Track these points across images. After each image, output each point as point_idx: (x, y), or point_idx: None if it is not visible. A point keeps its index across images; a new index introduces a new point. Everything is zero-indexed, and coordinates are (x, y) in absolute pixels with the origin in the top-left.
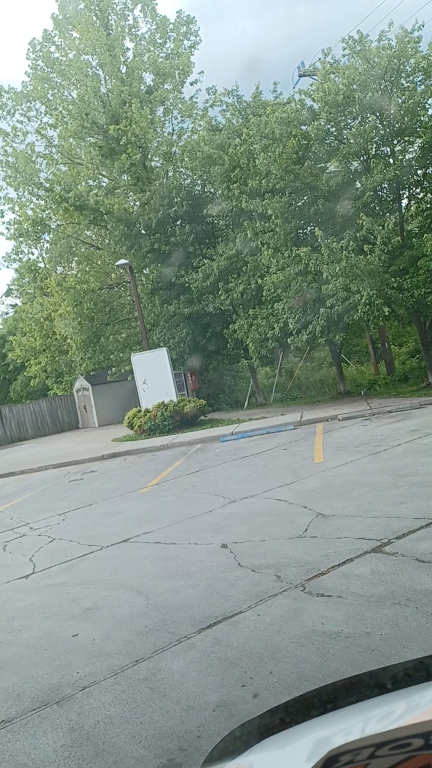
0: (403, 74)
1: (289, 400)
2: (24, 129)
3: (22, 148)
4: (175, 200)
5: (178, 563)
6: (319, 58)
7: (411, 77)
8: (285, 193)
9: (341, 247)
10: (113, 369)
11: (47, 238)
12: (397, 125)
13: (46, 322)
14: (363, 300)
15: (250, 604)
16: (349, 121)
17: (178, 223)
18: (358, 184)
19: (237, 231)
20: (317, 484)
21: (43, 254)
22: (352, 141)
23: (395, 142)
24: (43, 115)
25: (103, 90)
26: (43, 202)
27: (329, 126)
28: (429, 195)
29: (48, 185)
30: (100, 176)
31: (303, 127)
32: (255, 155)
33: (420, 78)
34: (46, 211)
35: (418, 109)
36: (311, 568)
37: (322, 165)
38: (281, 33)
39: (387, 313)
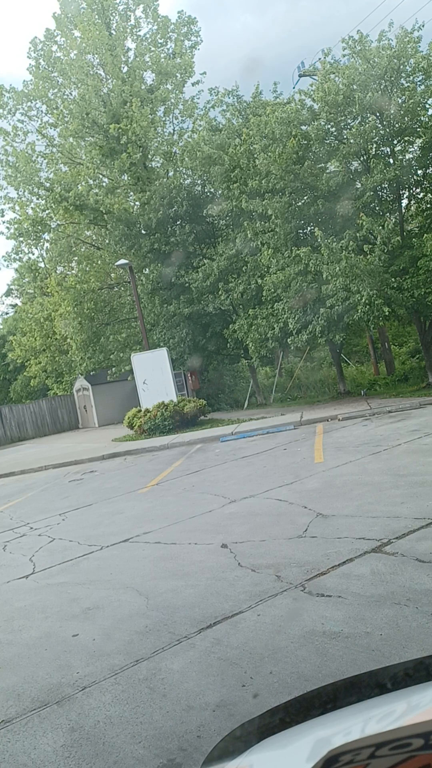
0: (403, 74)
1: (289, 400)
2: (25, 128)
3: (22, 147)
4: (175, 200)
5: (178, 563)
6: (319, 58)
7: (411, 77)
8: (285, 193)
9: (341, 247)
10: (113, 369)
11: (47, 238)
12: (397, 125)
13: (46, 322)
14: (363, 300)
15: (250, 604)
16: (349, 121)
17: (178, 223)
18: (358, 184)
19: (237, 231)
20: (317, 484)
21: (43, 254)
22: (352, 141)
23: (395, 142)
24: (43, 114)
25: (104, 89)
26: (43, 202)
27: (329, 126)
28: (429, 195)
29: (48, 185)
30: (101, 176)
31: (303, 127)
32: (255, 155)
33: (420, 78)
34: (46, 211)
35: (418, 109)
36: (311, 568)
37: (322, 165)
38: (282, 29)
39: (387, 313)
